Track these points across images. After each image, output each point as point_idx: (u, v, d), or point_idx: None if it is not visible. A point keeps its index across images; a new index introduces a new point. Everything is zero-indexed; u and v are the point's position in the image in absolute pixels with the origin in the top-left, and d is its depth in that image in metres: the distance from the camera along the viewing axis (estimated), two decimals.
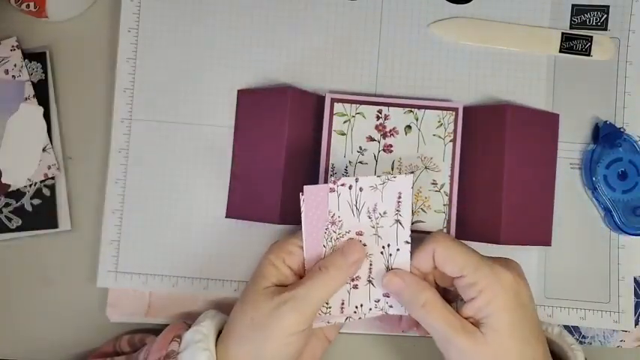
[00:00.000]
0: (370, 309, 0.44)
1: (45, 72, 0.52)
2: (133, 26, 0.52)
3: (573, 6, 0.51)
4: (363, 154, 0.49)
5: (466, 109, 0.49)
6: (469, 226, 0.48)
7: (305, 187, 0.43)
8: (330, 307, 0.44)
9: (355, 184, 0.43)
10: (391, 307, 0.44)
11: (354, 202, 0.43)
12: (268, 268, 0.44)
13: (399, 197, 0.43)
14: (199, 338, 0.42)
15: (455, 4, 0.51)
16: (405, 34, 0.51)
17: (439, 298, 0.42)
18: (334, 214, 0.43)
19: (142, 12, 0.52)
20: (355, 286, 0.44)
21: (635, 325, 0.49)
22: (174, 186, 0.51)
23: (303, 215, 0.43)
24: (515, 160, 0.47)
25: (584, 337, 0.50)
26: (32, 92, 0.51)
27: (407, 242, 0.43)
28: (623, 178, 0.49)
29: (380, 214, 0.43)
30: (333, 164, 0.49)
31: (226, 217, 0.50)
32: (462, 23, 0.51)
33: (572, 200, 0.50)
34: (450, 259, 0.41)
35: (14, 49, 0.51)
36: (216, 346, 0.42)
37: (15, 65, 0.51)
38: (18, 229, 0.51)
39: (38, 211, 0.51)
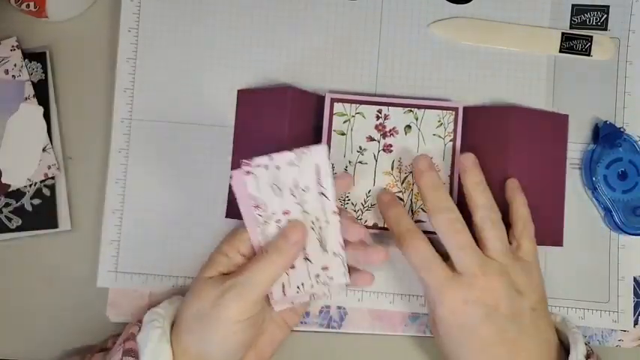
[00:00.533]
0: (312, 285, 0.43)
1: (45, 72, 0.52)
2: (133, 26, 0.52)
3: (573, 6, 0.51)
4: (362, 154, 0.49)
5: (466, 109, 0.49)
6: (469, 225, 0.48)
7: (232, 171, 0.42)
8: (271, 293, 0.44)
9: (270, 162, 0.42)
10: (331, 278, 0.43)
11: (274, 182, 0.42)
12: (218, 257, 0.44)
13: (318, 169, 0.42)
14: (154, 317, 0.43)
15: (455, 4, 0.51)
16: (405, 34, 0.51)
17: None
18: (257, 197, 0.42)
19: (142, 12, 0.52)
20: (292, 267, 0.43)
21: (635, 324, 0.49)
22: (175, 186, 0.51)
23: (238, 201, 0.42)
24: (518, 164, 0.47)
25: (582, 336, 0.50)
26: (32, 92, 0.51)
27: (334, 212, 0.42)
28: (623, 178, 0.49)
29: (302, 189, 0.42)
30: (332, 164, 0.49)
31: (226, 217, 0.50)
32: (462, 23, 0.51)
33: (572, 200, 0.50)
34: None
35: (14, 49, 0.51)
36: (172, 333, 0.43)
37: (15, 65, 0.51)
38: (18, 229, 0.51)
39: (38, 211, 0.51)
